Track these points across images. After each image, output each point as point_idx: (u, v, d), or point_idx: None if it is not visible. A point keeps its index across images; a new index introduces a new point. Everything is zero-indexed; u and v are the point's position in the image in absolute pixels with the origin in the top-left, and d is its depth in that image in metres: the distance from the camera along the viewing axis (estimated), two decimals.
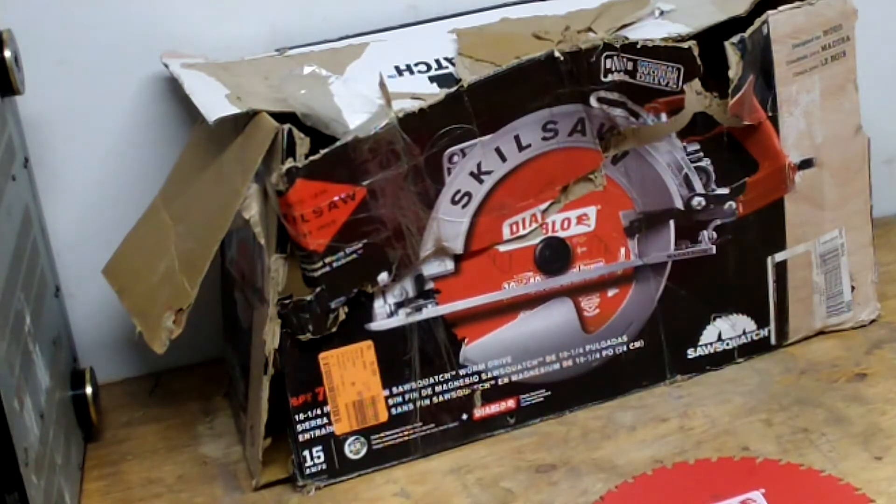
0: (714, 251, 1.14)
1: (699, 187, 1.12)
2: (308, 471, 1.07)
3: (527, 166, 1.05)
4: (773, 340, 1.19)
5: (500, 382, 1.11)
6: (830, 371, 1.17)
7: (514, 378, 1.11)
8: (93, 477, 1.13)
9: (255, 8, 1.20)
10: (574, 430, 1.11)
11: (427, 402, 1.09)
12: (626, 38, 1.03)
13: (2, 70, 1.06)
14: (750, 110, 1.09)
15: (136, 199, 1.16)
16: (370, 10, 1.20)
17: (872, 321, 1.22)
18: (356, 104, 1.03)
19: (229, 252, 1.17)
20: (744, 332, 1.18)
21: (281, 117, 0.99)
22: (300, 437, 1.06)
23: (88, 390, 1.15)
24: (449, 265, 1.07)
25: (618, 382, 1.15)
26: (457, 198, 1.04)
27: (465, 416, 1.10)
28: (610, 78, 1.04)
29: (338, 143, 0.99)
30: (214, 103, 1.02)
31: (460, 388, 1.10)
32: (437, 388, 1.09)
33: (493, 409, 1.11)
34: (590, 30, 1.08)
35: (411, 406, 1.09)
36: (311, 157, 0.98)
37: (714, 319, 1.16)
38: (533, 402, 1.12)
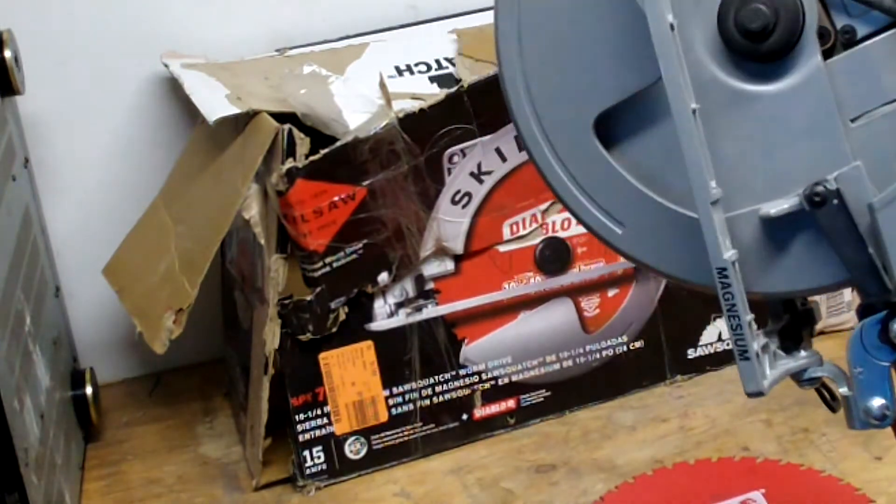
0: None
1: None
2: (308, 471, 1.07)
3: (527, 166, 1.05)
4: None
5: (500, 382, 1.11)
6: None
7: (514, 378, 1.11)
8: (93, 477, 1.13)
9: (255, 8, 1.20)
10: (574, 430, 1.11)
11: (427, 402, 1.09)
12: None
13: (2, 70, 1.06)
14: None
15: (136, 199, 1.16)
16: (370, 10, 1.20)
17: None
18: (356, 104, 1.03)
19: (229, 252, 1.17)
20: None
21: (281, 117, 0.99)
22: (300, 437, 1.06)
23: (88, 390, 1.15)
24: (449, 265, 1.07)
25: (618, 382, 1.15)
26: (457, 198, 1.04)
27: (465, 416, 1.10)
28: None
29: (338, 143, 0.99)
30: (214, 103, 1.02)
31: (460, 388, 1.10)
32: (437, 388, 1.09)
33: (493, 409, 1.11)
34: None
35: (411, 406, 1.09)
36: (311, 157, 0.98)
37: (714, 319, 1.16)
38: (533, 402, 1.12)
